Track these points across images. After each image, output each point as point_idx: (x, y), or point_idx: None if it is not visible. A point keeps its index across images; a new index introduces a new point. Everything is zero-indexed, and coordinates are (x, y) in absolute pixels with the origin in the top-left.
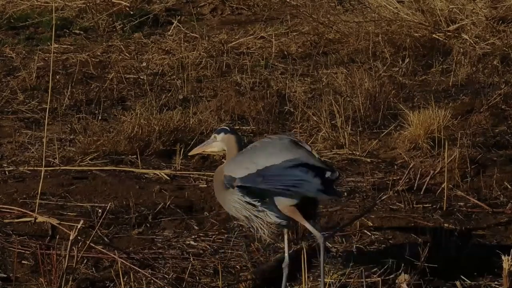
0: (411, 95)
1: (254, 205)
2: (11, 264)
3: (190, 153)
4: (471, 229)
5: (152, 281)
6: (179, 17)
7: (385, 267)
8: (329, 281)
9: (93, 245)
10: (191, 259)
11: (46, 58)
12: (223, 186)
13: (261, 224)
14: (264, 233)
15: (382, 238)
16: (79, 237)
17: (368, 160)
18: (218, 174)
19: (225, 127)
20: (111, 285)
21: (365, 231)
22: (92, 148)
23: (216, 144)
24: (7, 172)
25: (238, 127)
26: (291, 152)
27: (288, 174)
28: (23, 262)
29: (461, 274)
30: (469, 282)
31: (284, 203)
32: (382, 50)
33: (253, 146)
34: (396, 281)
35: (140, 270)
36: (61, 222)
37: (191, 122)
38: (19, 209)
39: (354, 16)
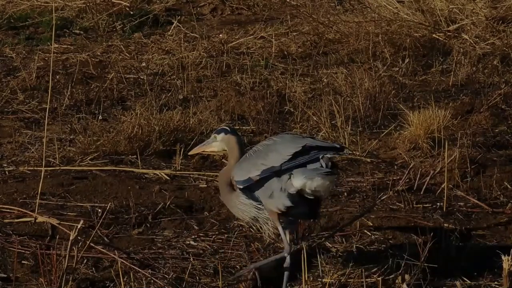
0: (411, 95)
1: (257, 207)
2: (11, 264)
3: (190, 153)
4: (471, 229)
5: (152, 281)
6: (179, 17)
7: (385, 267)
8: (329, 281)
9: (93, 245)
10: (191, 259)
11: (46, 58)
12: (228, 188)
13: (266, 224)
14: (269, 233)
15: (382, 238)
16: (79, 237)
17: (368, 160)
18: (223, 175)
19: (225, 127)
20: (111, 285)
21: (365, 231)
22: (92, 148)
23: (216, 144)
24: (7, 172)
25: (238, 127)
26: (296, 143)
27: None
28: (23, 262)
29: (461, 274)
30: (469, 282)
31: (271, 208)
32: (382, 50)
33: (255, 149)
34: (396, 281)
35: (140, 270)
36: (61, 222)
37: (191, 122)
38: (19, 209)
39: (354, 16)
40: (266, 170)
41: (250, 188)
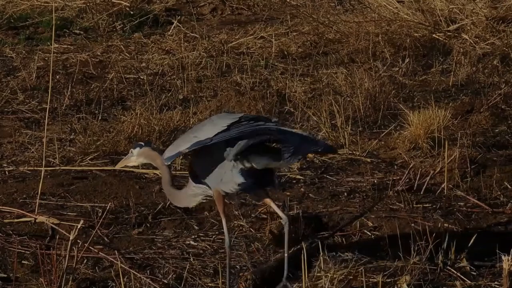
0: (411, 95)
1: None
2: (11, 264)
3: (116, 167)
4: (471, 229)
5: (151, 281)
6: (179, 17)
7: (386, 267)
8: (329, 281)
9: (91, 248)
10: (191, 259)
11: (46, 58)
12: (175, 190)
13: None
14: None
15: (382, 238)
16: (78, 240)
17: (368, 160)
18: (165, 184)
19: (140, 142)
20: (111, 285)
21: (365, 231)
22: (92, 148)
23: (133, 158)
24: (7, 172)
25: None
26: (233, 116)
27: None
28: (23, 262)
29: (461, 274)
30: (469, 282)
31: (224, 189)
32: (382, 50)
33: (187, 130)
34: (397, 281)
35: (139, 272)
36: (61, 222)
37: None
38: (19, 210)
39: (354, 16)
40: (197, 142)
41: (200, 178)
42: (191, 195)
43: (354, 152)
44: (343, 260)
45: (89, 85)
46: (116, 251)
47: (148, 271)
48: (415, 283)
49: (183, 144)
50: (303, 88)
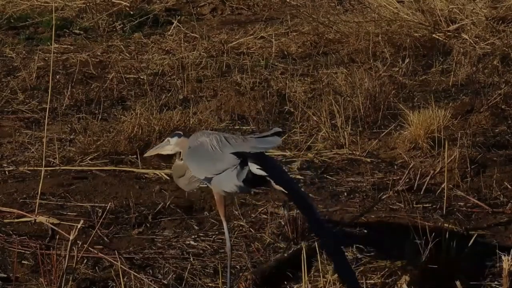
0: (411, 95)
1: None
2: (11, 264)
3: (146, 155)
4: (471, 229)
5: (151, 281)
6: (179, 17)
7: (385, 267)
8: (329, 281)
9: (91, 249)
10: (191, 259)
11: (46, 58)
12: (185, 175)
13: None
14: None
15: (382, 238)
16: (78, 240)
17: (368, 160)
18: (178, 170)
19: (178, 132)
20: (111, 285)
21: (365, 231)
22: (92, 148)
23: (170, 147)
24: (7, 172)
25: (238, 127)
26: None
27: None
28: (23, 262)
29: (461, 274)
30: (469, 282)
31: (217, 189)
32: (382, 50)
33: (201, 150)
34: (397, 281)
35: (139, 272)
36: (61, 222)
37: (191, 122)
38: (19, 211)
39: (354, 16)
40: (219, 173)
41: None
42: (193, 176)
43: (354, 152)
44: None
45: (89, 85)
46: (116, 251)
47: (148, 271)
48: (415, 283)
49: (208, 174)
50: (303, 88)
